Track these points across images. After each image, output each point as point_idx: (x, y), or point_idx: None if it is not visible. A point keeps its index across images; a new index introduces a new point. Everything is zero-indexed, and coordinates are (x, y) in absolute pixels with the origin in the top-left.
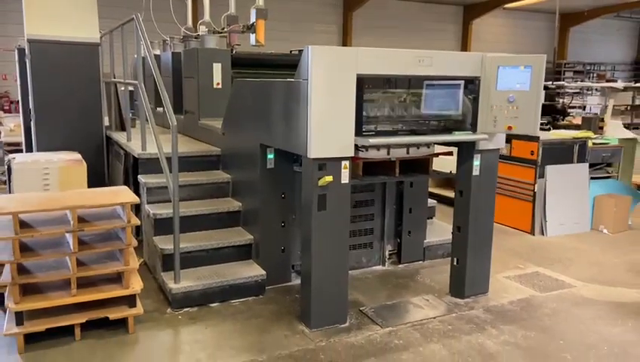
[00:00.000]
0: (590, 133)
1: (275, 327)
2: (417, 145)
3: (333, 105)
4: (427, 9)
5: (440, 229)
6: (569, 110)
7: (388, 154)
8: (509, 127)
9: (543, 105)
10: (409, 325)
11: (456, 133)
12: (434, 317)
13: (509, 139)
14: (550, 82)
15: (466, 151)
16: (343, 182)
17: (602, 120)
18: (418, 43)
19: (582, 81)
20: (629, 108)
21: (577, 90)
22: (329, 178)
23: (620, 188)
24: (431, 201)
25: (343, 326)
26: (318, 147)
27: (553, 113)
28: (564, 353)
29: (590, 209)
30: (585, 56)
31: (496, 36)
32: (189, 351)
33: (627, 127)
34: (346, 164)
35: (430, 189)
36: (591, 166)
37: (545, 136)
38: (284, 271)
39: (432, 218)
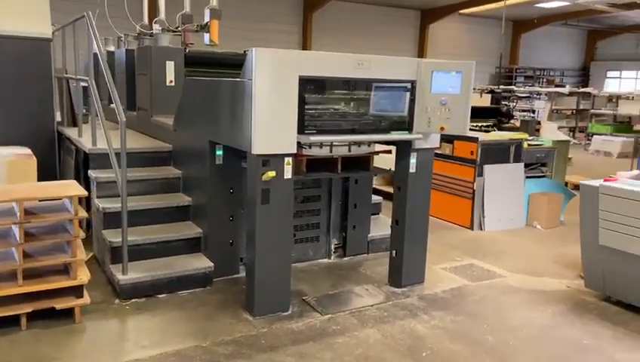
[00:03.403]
0: (525, 135)
1: (221, 315)
2: (358, 144)
3: (277, 105)
4: (386, 13)
5: (384, 224)
6: (520, 113)
7: (330, 151)
8: (442, 128)
9: (489, 108)
10: (348, 312)
11: (394, 132)
12: (371, 305)
13: (451, 139)
14: (496, 86)
15: (403, 149)
16: (285, 177)
17: (539, 123)
18: (377, 46)
19: (532, 86)
20: (574, 112)
21: (527, 95)
22: (272, 173)
23: (554, 187)
24: (377, 198)
25: (285, 314)
26: (261, 144)
27: (499, 116)
28: (487, 335)
29: (525, 206)
30: (536, 62)
31: (452, 41)
32: (135, 338)
33: (572, 130)
34: (288, 160)
35: (378, 186)
36: (526, 165)
37: (484, 137)
38: (232, 263)
39: (378, 213)
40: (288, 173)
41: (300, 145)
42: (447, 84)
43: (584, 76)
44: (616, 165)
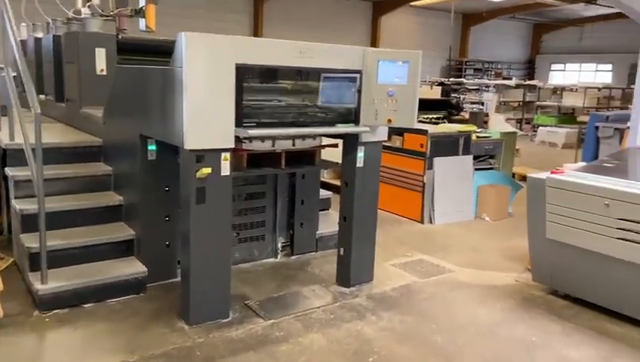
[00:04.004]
0: (474, 127)
1: (153, 326)
2: (303, 137)
3: (211, 95)
4: (338, 3)
5: (333, 220)
6: (470, 105)
7: (273, 145)
8: (389, 120)
9: (440, 100)
10: (292, 316)
11: (340, 125)
12: (318, 307)
13: (401, 132)
14: (447, 79)
15: (350, 143)
16: (223, 174)
17: (487, 115)
18: (329, 37)
19: (481, 78)
20: (520, 104)
21: (476, 87)
22: (207, 170)
23: (501, 179)
24: (327, 193)
25: (224, 321)
26: (195, 138)
27: (449, 108)
28: (435, 335)
29: (474, 198)
30: (484, 55)
31: (404, 33)
32: (52, 355)
33: (519, 121)
34: (226, 155)
35: (329, 180)
36: (475, 158)
37: (433, 129)
38: (168, 267)
39: (327, 209)
40: (226, 170)
41: (238, 139)
42: (394, 74)
43: (530, 69)
44: (561, 155)
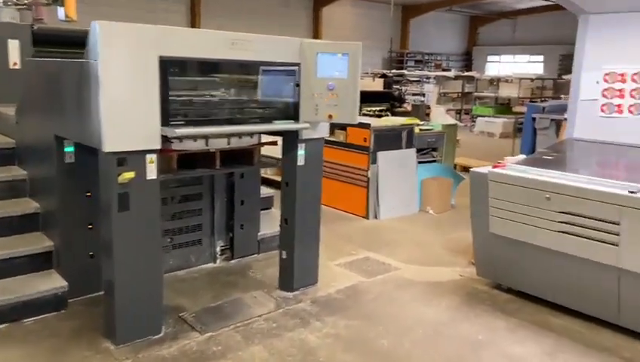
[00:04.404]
0: (417, 120)
1: (74, 347)
2: (239, 135)
3: (132, 91)
4: None
5: (276, 220)
6: (412, 97)
7: (206, 145)
8: (330, 116)
9: (382, 93)
10: (232, 327)
11: (278, 122)
12: (259, 316)
13: (345, 126)
14: (388, 71)
15: (290, 140)
16: (149, 178)
17: (429, 107)
18: (270, 29)
19: (421, 70)
20: (460, 95)
21: (417, 79)
22: (130, 174)
23: (444, 171)
24: (269, 191)
25: (156, 337)
26: (114, 139)
27: (391, 100)
28: (382, 339)
29: (418, 191)
30: (425, 47)
31: (347, 24)
32: None
33: (459, 112)
34: (151, 157)
35: (272, 176)
36: (418, 151)
37: (376, 123)
38: (92, 279)
39: (269, 208)
40: (152, 173)
41: (166, 138)
42: (334, 67)
43: (468, 60)
44: (498, 145)
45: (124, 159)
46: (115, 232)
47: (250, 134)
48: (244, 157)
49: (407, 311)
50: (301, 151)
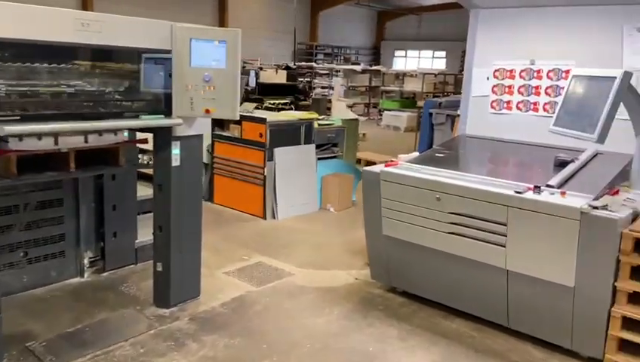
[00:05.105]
0: (316, 115)
1: None
2: (99, 132)
3: None
4: None
5: None
6: (321, 90)
7: (56, 143)
8: (207, 111)
9: (286, 85)
10: (89, 357)
11: (145, 117)
12: (126, 340)
13: (239, 120)
14: (292, 63)
15: (161, 138)
16: None
17: (330, 101)
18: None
19: (331, 63)
20: (367, 88)
21: (326, 72)
22: None
23: (344, 167)
24: (149, 192)
25: None
26: None
27: (296, 93)
28: (266, 359)
29: (318, 189)
30: (335, 40)
31: (254, 15)
32: None
33: (367, 105)
34: None
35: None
36: (318, 146)
37: (272, 117)
38: None
39: (150, 211)
40: None
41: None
42: (210, 55)
43: (376, 55)
44: (403, 139)
45: None
46: None
47: (115, 131)
48: (107, 157)
49: (296, 323)
50: (176, 150)
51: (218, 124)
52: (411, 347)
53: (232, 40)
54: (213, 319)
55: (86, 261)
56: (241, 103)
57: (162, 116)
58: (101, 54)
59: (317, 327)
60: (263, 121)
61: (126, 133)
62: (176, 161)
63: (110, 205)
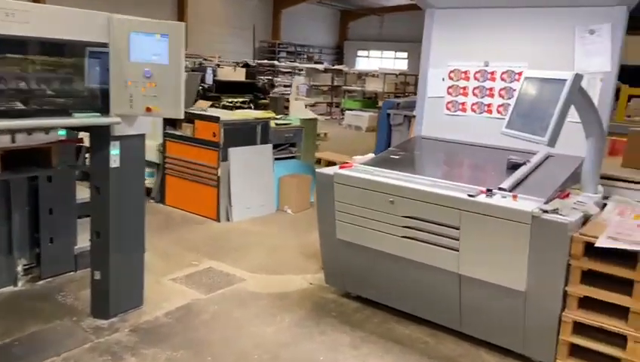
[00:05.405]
0: (272, 114)
1: None
2: (29, 131)
3: None
4: None
5: None
6: (284, 88)
7: None
8: (149, 109)
9: (245, 83)
10: None
11: (79, 114)
12: (58, 355)
13: (192, 119)
14: (252, 60)
15: (98, 138)
16: None
17: (288, 100)
18: (130, 9)
19: (293, 62)
20: (330, 88)
21: (289, 70)
22: None
23: (303, 168)
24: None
25: None
26: None
27: (255, 91)
28: None
29: (275, 190)
30: (298, 39)
31: (216, 11)
32: None
33: (330, 105)
34: None
35: None
36: (275, 147)
37: (227, 116)
38: None
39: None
40: None
41: None
42: (151, 50)
43: (339, 54)
44: (365, 139)
45: None
46: None
47: (46, 130)
48: (39, 157)
49: (244, 332)
50: (115, 151)
51: (170, 122)
52: (364, 355)
53: (175, 34)
54: (155, 330)
55: (19, 268)
56: (195, 101)
57: (98, 114)
58: (30, 47)
59: (267, 336)
60: (216, 119)
61: (63, 132)
62: (115, 163)
63: (46, 209)
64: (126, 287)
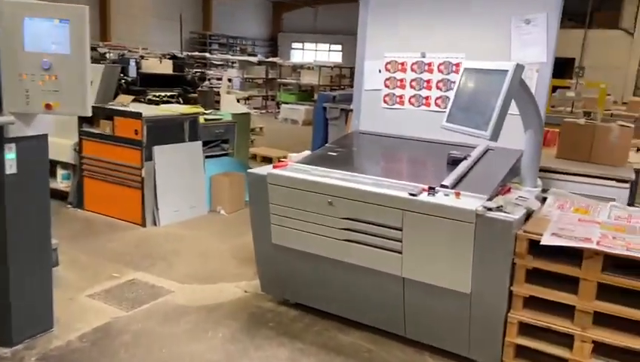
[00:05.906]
0: (201, 108)
1: None
2: None
3: None
4: None
5: None
6: (217, 81)
7: None
8: (48, 106)
9: (172, 76)
10: None
11: None
12: None
13: (111, 115)
14: (179, 52)
15: None
16: None
17: (219, 94)
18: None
19: (226, 54)
20: (264, 81)
21: (221, 63)
22: None
23: (236, 166)
24: None
25: None
26: None
27: (183, 85)
28: None
29: (207, 190)
30: (230, 30)
31: (141, 1)
32: None
33: (265, 98)
34: None
35: None
36: (205, 144)
37: (150, 112)
38: None
39: None
40: None
41: None
42: (49, 38)
43: (273, 46)
44: (302, 133)
45: None
46: None
47: None
48: None
49: (172, 352)
50: (10, 155)
51: (86, 119)
52: None
53: (77, 19)
54: (67, 357)
55: None
56: (116, 95)
57: None
58: None
59: (197, 356)
60: (138, 116)
61: None
62: (11, 168)
63: None
64: (32, 309)
